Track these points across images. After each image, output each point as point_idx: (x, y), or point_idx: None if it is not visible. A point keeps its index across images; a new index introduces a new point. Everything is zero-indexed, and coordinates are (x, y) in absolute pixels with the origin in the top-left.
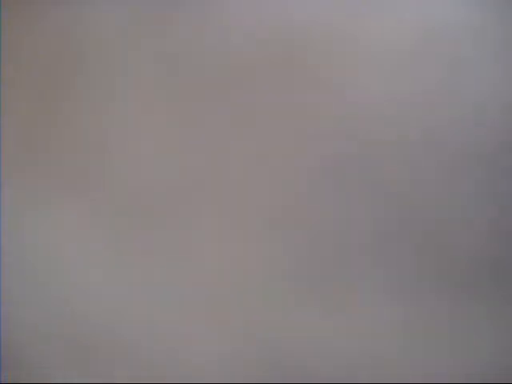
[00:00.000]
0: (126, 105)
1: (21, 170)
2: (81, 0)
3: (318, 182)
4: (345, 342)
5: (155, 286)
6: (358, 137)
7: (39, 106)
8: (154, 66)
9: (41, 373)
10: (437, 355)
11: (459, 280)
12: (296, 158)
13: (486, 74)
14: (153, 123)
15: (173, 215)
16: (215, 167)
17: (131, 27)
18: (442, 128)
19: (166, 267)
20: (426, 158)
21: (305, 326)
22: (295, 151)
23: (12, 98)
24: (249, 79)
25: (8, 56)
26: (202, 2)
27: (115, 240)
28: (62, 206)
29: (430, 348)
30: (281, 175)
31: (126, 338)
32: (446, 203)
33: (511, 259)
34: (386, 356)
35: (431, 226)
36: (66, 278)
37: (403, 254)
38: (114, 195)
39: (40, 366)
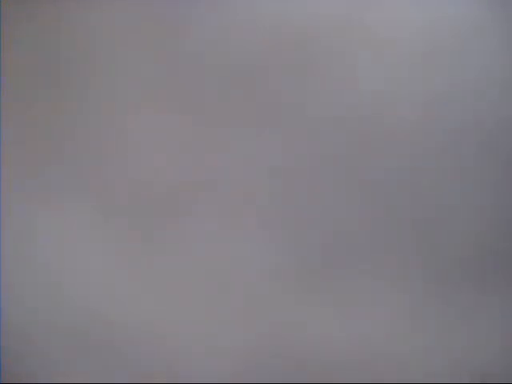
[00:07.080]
0: (126, 104)
1: (21, 169)
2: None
3: (320, 173)
4: (348, 330)
5: (155, 286)
6: (360, 132)
7: (38, 106)
8: (153, 66)
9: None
10: (440, 343)
11: (463, 268)
12: (296, 152)
13: (487, 70)
14: (153, 123)
15: (173, 215)
16: (215, 167)
17: (132, 27)
18: (442, 124)
19: (167, 267)
20: (425, 148)
21: (308, 315)
22: (296, 148)
23: (12, 98)
24: (248, 79)
25: (7, 56)
26: (203, 2)
27: (116, 240)
28: (61, 205)
29: (433, 337)
30: (282, 164)
31: (125, 336)
32: (446, 191)
33: None
34: (388, 345)
35: (432, 213)
36: (66, 277)
37: (405, 241)
38: (114, 195)
39: (44, 364)
